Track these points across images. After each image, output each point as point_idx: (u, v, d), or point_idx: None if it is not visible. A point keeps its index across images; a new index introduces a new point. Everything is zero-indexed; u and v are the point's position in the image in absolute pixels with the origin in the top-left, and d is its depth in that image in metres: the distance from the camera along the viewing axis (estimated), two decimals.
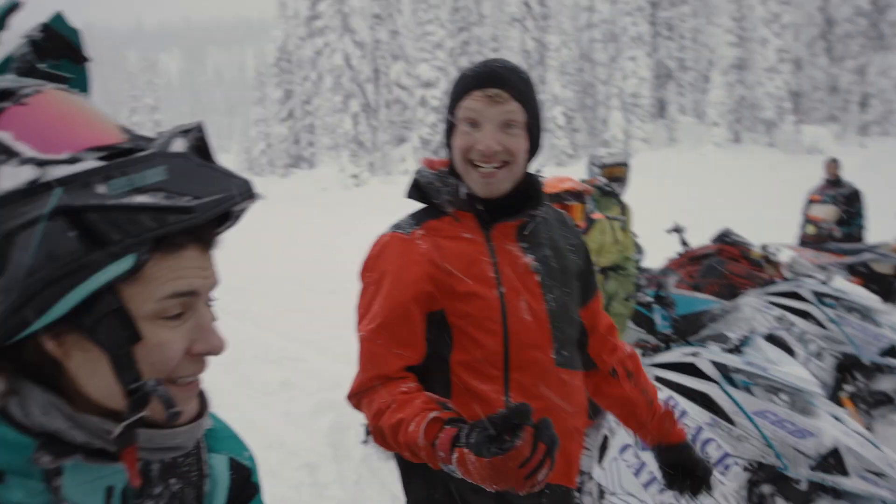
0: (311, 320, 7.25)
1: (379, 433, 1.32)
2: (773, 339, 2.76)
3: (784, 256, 5.40)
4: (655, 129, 27.71)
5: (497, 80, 1.33)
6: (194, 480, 0.74)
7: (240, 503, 0.80)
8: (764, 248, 5.06)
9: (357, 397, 1.40)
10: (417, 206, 1.49)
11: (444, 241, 1.39)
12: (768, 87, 24.85)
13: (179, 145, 0.57)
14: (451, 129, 1.40)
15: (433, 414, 1.19)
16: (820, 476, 2.35)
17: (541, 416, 1.33)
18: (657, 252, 7.08)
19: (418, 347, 1.37)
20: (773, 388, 2.53)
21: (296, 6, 36.41)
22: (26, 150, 0.51)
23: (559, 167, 22.86)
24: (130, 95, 41.26)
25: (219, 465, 0.78)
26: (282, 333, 6.73)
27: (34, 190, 0.49)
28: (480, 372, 1.36)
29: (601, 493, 2.65)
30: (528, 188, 1.45)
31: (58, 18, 0.66)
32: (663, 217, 7.41)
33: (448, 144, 1.43)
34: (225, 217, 0.63)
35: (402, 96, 32.05)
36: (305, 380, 5.21)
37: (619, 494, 2.59)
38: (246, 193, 0.59)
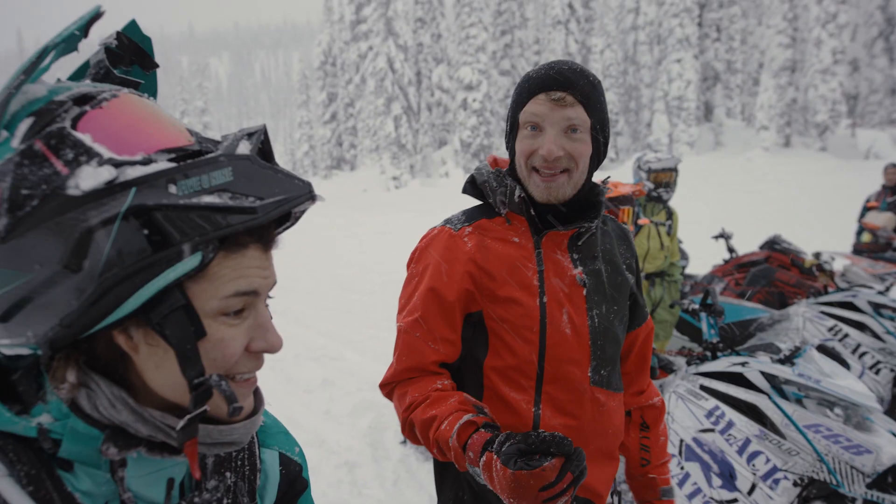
0: (350, 320, 7.33)
1: (408, 425, 1.31)
2: (825, 350, 2.64)
3: (838, 265, 5.20)
4: (701, 132, 27.09)
5: (562, 82, 1.27)
6: (247, 474, 0.76)
7: (290, 498, 0.82)
8: (816, 255, 4.89)
9: (389, 387, 1.40)
10: (461, 205, 1.48)
11: (491, 243, 1.36)
12: (822, 89, 24.00)
13: (244, 148, 0.58)
14: (513, 131, 1.36)
15: (468, 416, 1.19)
16: (877, 494, 2.25)
17: (570, 433, 1.32)
18: (702, 258, 6.92)
19: (455, 345, 1.36)
20: (827, 402, 2.43)
21: (341, 10, 37.03)
22: (104, 152, 0.53)
23: (600, 170, 22.57)
24: (181, 98, 42.50)
25: (270, 460, 0.80)
26: (322, 333, 6.82)
27: (111, 190, 0.51)
28: (512, 380, 1.34)
29: None
30: (588, 198, 1.40)
31: (131, 26, 0.69)
32: (708, 223, 7.26)
33: (510, 147, 1.39)
34: (285, 217, 0.65)
35: (443, 99, 32.19)
36: (346, 379, 5.27)
37: None
38: (306, 195, 0.60)
